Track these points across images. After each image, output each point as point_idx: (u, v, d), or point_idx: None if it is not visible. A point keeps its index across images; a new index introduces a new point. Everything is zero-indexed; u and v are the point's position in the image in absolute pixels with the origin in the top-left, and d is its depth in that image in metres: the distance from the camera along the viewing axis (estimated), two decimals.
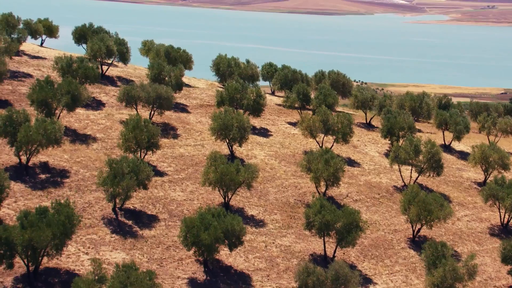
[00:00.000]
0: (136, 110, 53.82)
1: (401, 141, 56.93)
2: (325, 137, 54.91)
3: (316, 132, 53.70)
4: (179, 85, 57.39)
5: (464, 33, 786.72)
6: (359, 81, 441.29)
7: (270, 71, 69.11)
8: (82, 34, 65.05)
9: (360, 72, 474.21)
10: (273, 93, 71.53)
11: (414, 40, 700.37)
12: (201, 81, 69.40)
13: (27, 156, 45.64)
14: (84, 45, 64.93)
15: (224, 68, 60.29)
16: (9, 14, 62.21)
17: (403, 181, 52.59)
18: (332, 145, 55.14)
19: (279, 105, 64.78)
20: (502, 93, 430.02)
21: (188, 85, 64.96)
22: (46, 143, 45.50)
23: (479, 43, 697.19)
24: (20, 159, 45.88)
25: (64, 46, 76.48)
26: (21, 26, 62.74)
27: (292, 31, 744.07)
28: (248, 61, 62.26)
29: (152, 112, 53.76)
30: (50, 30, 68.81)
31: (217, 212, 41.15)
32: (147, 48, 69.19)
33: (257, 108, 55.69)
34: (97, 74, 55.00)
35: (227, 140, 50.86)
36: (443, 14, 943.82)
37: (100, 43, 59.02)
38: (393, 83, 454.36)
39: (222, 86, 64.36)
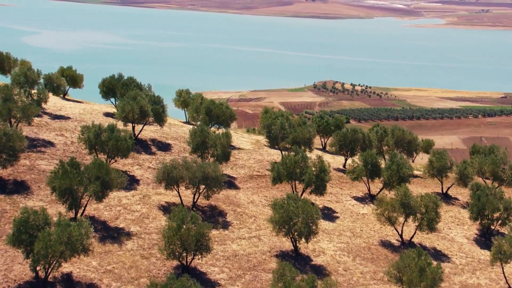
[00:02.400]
0: (179, 194, 41.45)
1: (494, 224, 44.58)
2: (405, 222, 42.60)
3: (395, 218, 41.46)
4: (226, 156, 45.09)
5: (461, 37, 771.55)
6: (363, 85, 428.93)
7: (321, 124, 56.80)
8: (110, 88, 52.61)
9: (363, 76, 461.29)
10: (324, 148, 59.20)
11: (413, 43, 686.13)
12: (244, 137, 56.71)
13: (46, 270, 33.63)
14: (113, 99, 52.82)
15: (277, 131, 47.95)
16: (28, 68, 49.73)
17: (506, 282, 40.29)
18: (414, 233, 42.78)
19: (339, 170, 52.25)
20: (502, 97, 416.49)
21: (231, 146, 52.66)
22: (70, 253, 33.59)
23: (477, 46, 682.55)
24: (37, 273, 33.91)
25: (89, 95, 63.81)
26: (41, 80, 50.36)
27: (296, 35, 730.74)
28: (304, 122, 49.84)
29: (197, 196, 41.51)
30: (74, 80, 56.51)
31: None
32: (183, 99, 56.83)
33: (320, 185, 43.39)
34: (130, 146, 42.78)
35: (290, 235, 38.72)
36: (440, 18, 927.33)
37: (132, 103, 46.67)
38: (396, 87, 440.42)
39: (269, 145, 51.63)
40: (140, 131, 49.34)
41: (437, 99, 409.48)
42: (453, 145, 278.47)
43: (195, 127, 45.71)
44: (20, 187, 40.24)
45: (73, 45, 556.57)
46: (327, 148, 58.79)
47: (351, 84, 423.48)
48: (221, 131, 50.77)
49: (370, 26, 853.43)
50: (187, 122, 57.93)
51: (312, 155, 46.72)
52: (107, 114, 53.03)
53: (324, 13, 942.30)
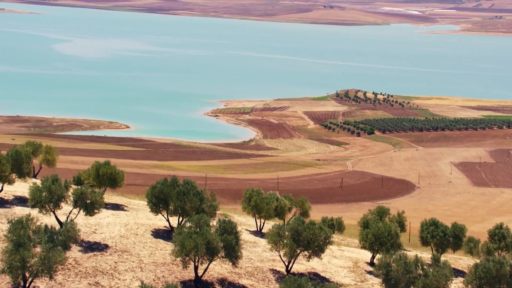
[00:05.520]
0: None
1: None
2: None
3: None
4: None
5: (477, 43, 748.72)
6: (385, 94, 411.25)
7: (435, 234, 40.53)
8: (161, 197, 36.88)
9: (383, 84, 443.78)
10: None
11: (431, 50, 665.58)
12: (336, 255, 40.12)
13: None
14: (165, 214, 37.10)
15: (398, 274, 32.02)
16: (54, 178, 34.02)
17: None
18: None
19: None
20: None
21: (316, 275, 36.36)
22: None
23: (493, 53, 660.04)
24: None
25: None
26: (70, 193, 34.57)
27: (315, 41, 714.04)
28: (436, 259, 33.73)
29: None
30: (113, 180, 40.84)
31: None
32: (254, 203, 40.78)
33: None
34: None
35: None
36: (454, 24, 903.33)
37: (196, 237, 30.95)
38: (417, 95, 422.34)
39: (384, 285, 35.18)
40: (205, 271, 33.45)
41: (459, 108, 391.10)
42: (481, 158, 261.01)
43: (287, 281, 29.77)
44: None
45: (102, 53, 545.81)
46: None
47: (373, 93, 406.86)
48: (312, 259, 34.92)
49: (387, 32, 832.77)
50: (260, 232, 41.97)
51: None
52: (158, 234, 37.27)
53: (342, 19, 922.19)
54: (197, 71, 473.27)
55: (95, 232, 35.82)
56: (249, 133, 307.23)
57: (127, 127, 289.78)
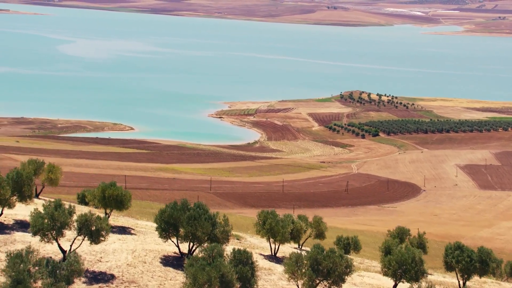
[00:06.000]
0: None
1: None
2: None
3: None
4: None
5: (480, 44, 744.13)
6: (389, 95, 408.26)
7: (461, 259, 37.83)
8: (171, 222, 34.31)
9: (387, 85, 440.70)
10: None
11: (434, 51, 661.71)
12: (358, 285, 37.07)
13: None
14: (175, 240, 34.56)
15: None
16: (57, 203, 31.37)
17: None
18: None
19: None
20: None
21: None
22: None
23: (497, 54, 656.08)
24: None
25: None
26: (74, 219, 31.95)
27: (318, 43, 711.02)
28: None
29: None
30: (119, 201, 38.20)
31: None
32: (269, 226, 38.10)
33: None
34: None
35: None
36: (458, 25, 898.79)
37: (209, 270, 28.42)
38: (421, 97, 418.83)
39: None
40: None
41: (463, 109, 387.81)
42: (486, 161, 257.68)
43: None
44: None
45: (106, 54, 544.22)
46: None
47: (377, 94, 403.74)
48: None
49: (391, 33, 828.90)
50: (275, 257, 39.48)
51: None
52: (167, 261, 34.73)
53: (346, 20, 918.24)
54: (201, 72, 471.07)
55: (100, 261, 33.28)
56: (254, 135, 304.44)
57: (131, 128, 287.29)
